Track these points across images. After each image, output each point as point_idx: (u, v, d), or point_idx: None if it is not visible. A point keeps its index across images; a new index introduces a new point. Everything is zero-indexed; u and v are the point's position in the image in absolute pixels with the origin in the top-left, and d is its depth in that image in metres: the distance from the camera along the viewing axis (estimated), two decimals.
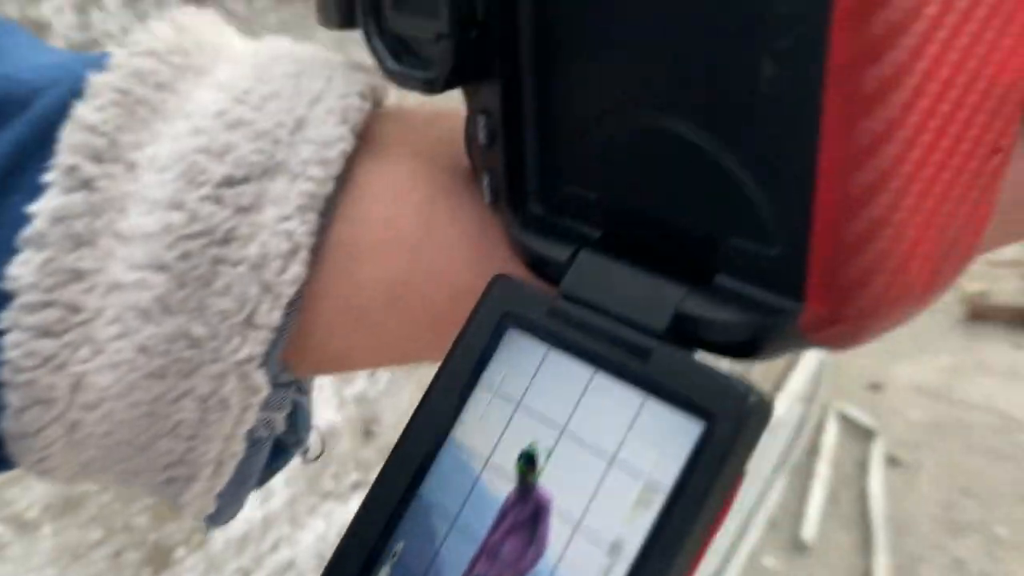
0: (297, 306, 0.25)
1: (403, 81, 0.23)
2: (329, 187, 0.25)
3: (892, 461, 2.60)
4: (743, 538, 2.22)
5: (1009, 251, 4.02)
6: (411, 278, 0.25)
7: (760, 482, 2.41)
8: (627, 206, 0.22)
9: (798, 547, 2.28)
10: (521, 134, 0.23)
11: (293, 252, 0.24)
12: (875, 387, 3.01)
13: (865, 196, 0.17)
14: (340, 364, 0.28)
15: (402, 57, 0.24)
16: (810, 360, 2.99)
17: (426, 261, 0.25)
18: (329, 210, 0.25)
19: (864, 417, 2.75)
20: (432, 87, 0.23)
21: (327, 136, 0.25)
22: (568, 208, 0.23)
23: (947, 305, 3.65)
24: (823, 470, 2.50)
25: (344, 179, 0.26)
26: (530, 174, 0.23)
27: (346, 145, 0.25)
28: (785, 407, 2.67)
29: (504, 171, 0.23)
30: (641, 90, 0.20)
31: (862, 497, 2.44)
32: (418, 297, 0.26)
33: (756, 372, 2.48)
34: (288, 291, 0.24)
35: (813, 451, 2.60)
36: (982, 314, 3.53)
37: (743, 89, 0.18)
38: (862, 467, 2.56)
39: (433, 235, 0.25)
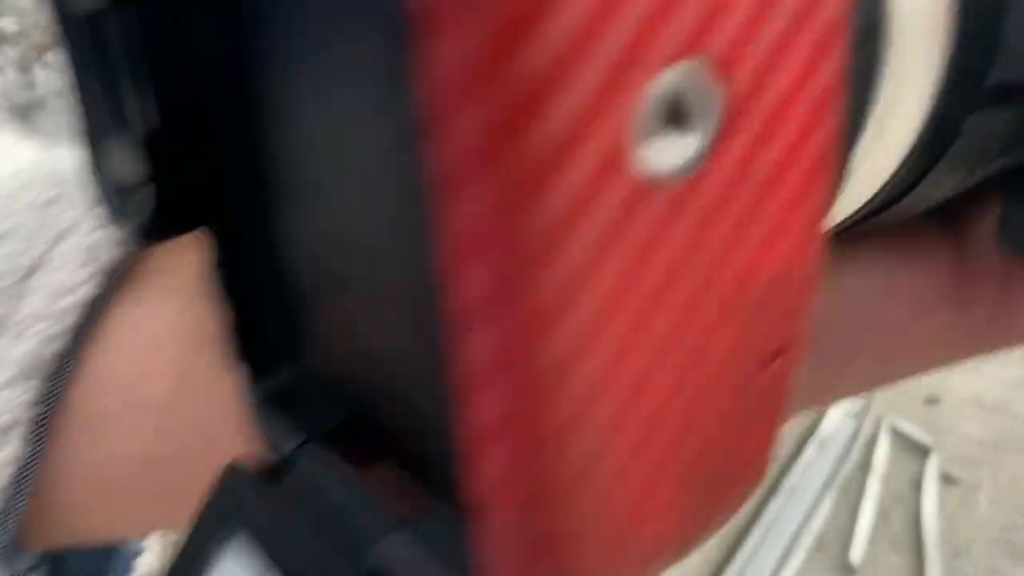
0: (26, 486, 0.21)
1: (121, 226, 0.20)
2: (60, 344, 0.21)
3: (947, 479, 2.48)
4: (788, 560, 2.14)
5: None
6: (162, 449, 0.21)
7: (807, 500, 2.32)
8: (356, 400, 0.17)
9: (846, 569, 2.19)
10: (249, 291, 0.19)
11: (10, 427, 0.20)
12: (932, 401, 2.88)
13: (548, 457, 0.12)
14: (96, 536, 0.24)
15: (125, 197, 0.20)
16: None
17: (179, 429, 0.21)
18: (64, 371, 0.21)
19: (919, 432, 2.63)
20: (146, 236, 0.19)
21: (65, 281, 0.21)
22: (305, 387, 0.19)
23: None
24: (874, 488, 2.40)
25: (89, 330, 0.22)
26: (265, 339, 0.19)
27: (89, 290, 0.21)
28: (836, 422, 2.57)
29: (233, 332, 0.19)
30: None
31: (915, 517, 2.33)
32: (174, 470, 0.22)
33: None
34: (5, 472, 0.20)
35: (864, 468, 2.49)
36: None
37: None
38: (915, 485, 2.44)
39: (189, 396, 0.21)
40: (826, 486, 2.37)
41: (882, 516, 2.35)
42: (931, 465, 2.48)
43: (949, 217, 0.21)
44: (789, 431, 2.35)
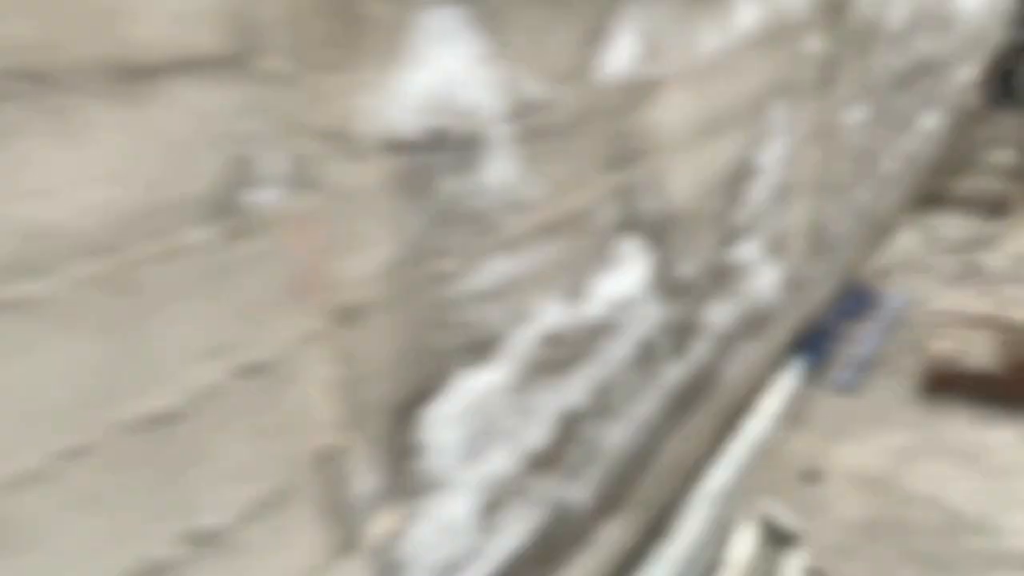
0: None
1: None
2: None
3: (815, 575, 2.20)
4: None
5: (981, 307, 3.56)
6: None
7: None
8: None
9: None
10: None
11: None
12: (811, 476, 2.61)
13: None
14: None
15: None
16: (738, 446, 2.60)
17: None
18: None
19: (789, 518, 2.35)
20: None
21: None
22: None
23: (910, 369, 3.23)
24: None
25: None
26: None
27: None
28: (694, 512, 2.28)
29: None
30: None
31: None
32: None
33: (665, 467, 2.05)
34: None
35: (717, 564, 2.20)
36: (946, 382, 3.12)
37: None
38: None
39: None
40: None
41: None
42: (794, 561, 2.20)
43: None
44: (629, 523, 2.07)
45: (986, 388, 3.05)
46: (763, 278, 2.73)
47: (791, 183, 2.84)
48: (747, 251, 2.53)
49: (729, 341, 2.52)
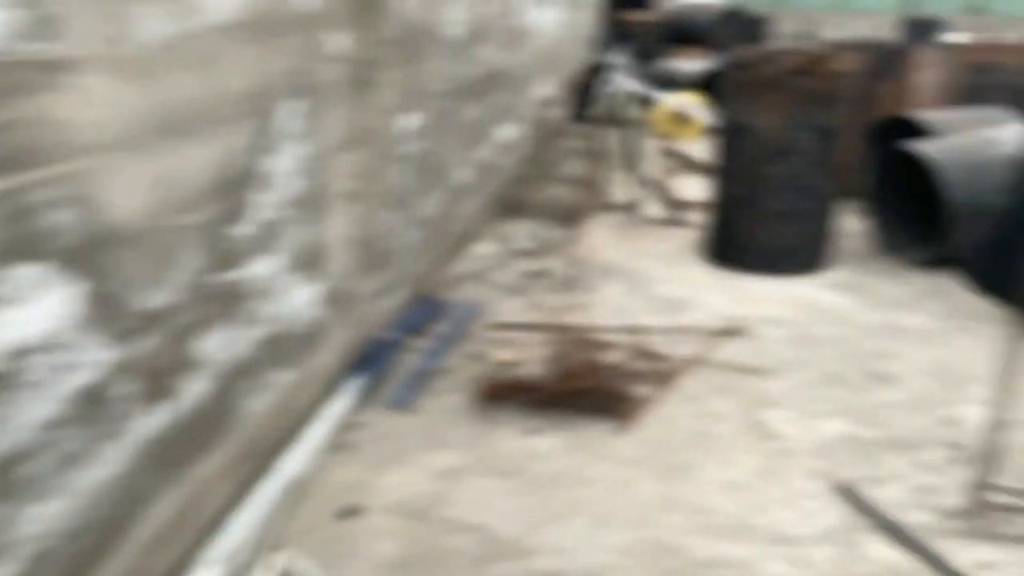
0: None
1: None
2: None
3: None
4: None
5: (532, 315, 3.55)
6: None
7: None
8: None
9: None
10: None
11: None
12: (349, 512, 2.34)
13: None
14: None
15: None
16: (264, 491, 2.26)
17: None
18: None
19: (311, 570, 2.05)
20: None
21: None
22: None
23: (470, 382, 3.12)
24: None
25: None
26: None
27: None
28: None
29: None
30: None
31: None
32: None
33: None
34: None
35: None
36: (501, 392, 3.04)
37: None
38: None
39: None
40: None
41: None
42: None
43: None
44: None
45: (539, 396, 3.00)
46: (294, 298, 2.42)
47: (323, 192, 2.56)
48: (264, 268, 2.20)
49: (248, 372, 2.17)
